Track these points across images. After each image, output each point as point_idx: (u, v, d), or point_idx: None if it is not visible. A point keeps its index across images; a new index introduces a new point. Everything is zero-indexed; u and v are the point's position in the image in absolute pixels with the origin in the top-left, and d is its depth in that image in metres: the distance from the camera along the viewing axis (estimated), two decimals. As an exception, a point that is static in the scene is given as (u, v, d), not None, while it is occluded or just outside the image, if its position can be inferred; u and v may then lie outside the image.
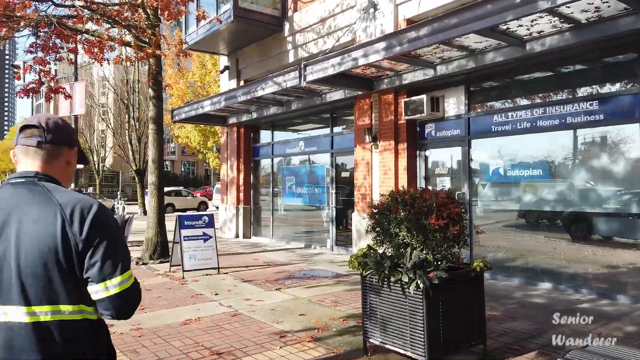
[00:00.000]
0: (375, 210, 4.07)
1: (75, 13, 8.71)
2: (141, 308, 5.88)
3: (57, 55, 10.63)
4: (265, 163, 13.43)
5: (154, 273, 8.16)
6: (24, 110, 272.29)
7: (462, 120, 7.89)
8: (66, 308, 1.37)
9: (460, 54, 7.21)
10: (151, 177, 9.56)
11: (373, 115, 9.18)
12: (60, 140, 1.51)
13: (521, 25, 6.02)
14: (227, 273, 8.07)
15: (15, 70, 26.36)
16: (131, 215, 1.80)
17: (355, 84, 8.77)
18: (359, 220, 9.34)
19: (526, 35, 6.35)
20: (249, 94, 9.84)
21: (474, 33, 5.98)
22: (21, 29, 9.05)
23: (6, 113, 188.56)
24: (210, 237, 8.12)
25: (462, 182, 7.84)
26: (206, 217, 8.19)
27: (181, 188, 31.06)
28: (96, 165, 38.67)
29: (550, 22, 5.91)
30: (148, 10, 8.29)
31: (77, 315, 1.39)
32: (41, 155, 1.47)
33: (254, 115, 12.34)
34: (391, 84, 8.49)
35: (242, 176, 13.56)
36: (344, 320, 5.23)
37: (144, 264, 8.95)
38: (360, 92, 9.14)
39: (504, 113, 7.32)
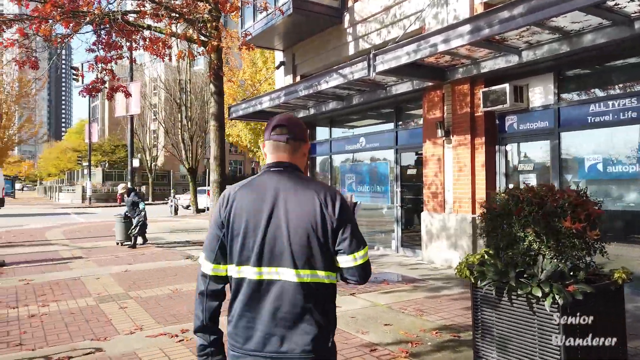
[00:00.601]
0: (489, 211, 3.51)
1: (138, 8, 8.57)
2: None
3: (119, 52, 10.67)
4: (322, 160, 13.03)
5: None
6: (80, 112, 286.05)
7: (551, 111, 7.15)
8: (320, 273, 1.69)
9: (551, 37, 6.49)
10: (213, 175, 9.34)
11: (445, 107, 8.55)
12: (300, 137, 1.83)
13: (632, 0, 5.28)
14: (293, 275, 7.71)
15: (74, 72, 27.34)
16: (359, 202, 2.03)
17: (427, 74, 8.18)
18: (429, 221, 8.75)
19: (635, 12, 5.58)
20: (310, 88, 9.44)
21: (577, 10, 5.28)
22: (85, 25, 9.06)
23: (63, 115, 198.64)
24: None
25: (551, 179, 7.09)
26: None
27: (231, 186, 31.28)
28: (148, 164, 39.76)
29: (670, -5, 5.15)
30: (210, 1, 8.03)
31: (326, 279, 1.71)
32: (288, 149, 1.80)
33: (312, 111, 11.97)
34: (467, 73, 7.84)
35: (298, 174, 13.22)
36: (436, 333, 4.69)
37: (206, 263, 8.72)
38: (430, 83, 8.54)
39: (602, 102, 6.53)
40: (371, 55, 7.66)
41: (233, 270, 1.75)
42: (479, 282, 3.38)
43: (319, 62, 12.29)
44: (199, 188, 27.41)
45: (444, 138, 8.51)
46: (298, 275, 1.66)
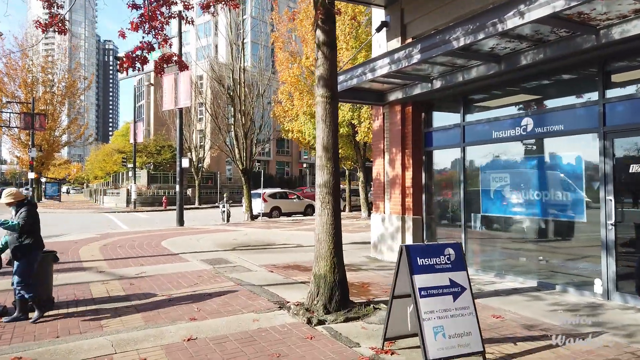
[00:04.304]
0: None
1: None
2: None
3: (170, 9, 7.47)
4: (446, 155, 9.36)
5: (356, 354, 4.36)
6: (126, 115, 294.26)
7: None
8: None
9: None
10: (321, 175, 5.81)
11: None
12: None
13: None
14: (498, 361, 4.10)
15: (119, 62, 24.82)
16: None
17: None
18: None
19: None
20: (480, 31, 5.81)
21: None
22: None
23: (110, 119, 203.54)
24: (464, 289, 4.19)
25: None
26: (451, 250, 4.28)
27: (286, 190, 28.09)
28: (195, 165, 37.23)
29: None
30: None
31: None
32: None
33: (436, 84, 8.36)
34: None
35: (408, 174, 9.64)
36: None
37: (319, 322, 5.19)
38: None
39: None
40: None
41: None
42: None
43: (443, 17, 8.67)
44: (252, 191, 24.25)
45: None
46: None
